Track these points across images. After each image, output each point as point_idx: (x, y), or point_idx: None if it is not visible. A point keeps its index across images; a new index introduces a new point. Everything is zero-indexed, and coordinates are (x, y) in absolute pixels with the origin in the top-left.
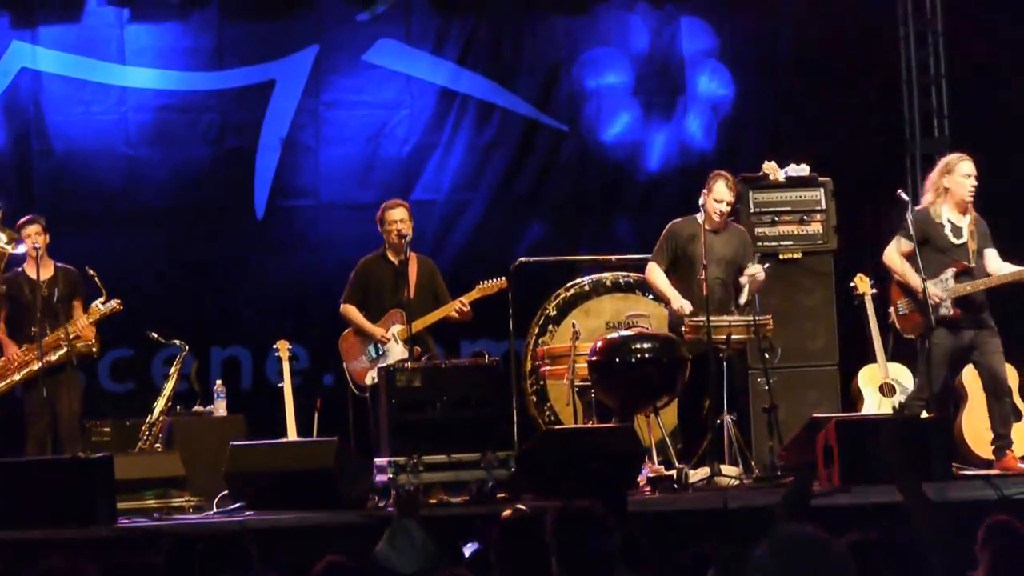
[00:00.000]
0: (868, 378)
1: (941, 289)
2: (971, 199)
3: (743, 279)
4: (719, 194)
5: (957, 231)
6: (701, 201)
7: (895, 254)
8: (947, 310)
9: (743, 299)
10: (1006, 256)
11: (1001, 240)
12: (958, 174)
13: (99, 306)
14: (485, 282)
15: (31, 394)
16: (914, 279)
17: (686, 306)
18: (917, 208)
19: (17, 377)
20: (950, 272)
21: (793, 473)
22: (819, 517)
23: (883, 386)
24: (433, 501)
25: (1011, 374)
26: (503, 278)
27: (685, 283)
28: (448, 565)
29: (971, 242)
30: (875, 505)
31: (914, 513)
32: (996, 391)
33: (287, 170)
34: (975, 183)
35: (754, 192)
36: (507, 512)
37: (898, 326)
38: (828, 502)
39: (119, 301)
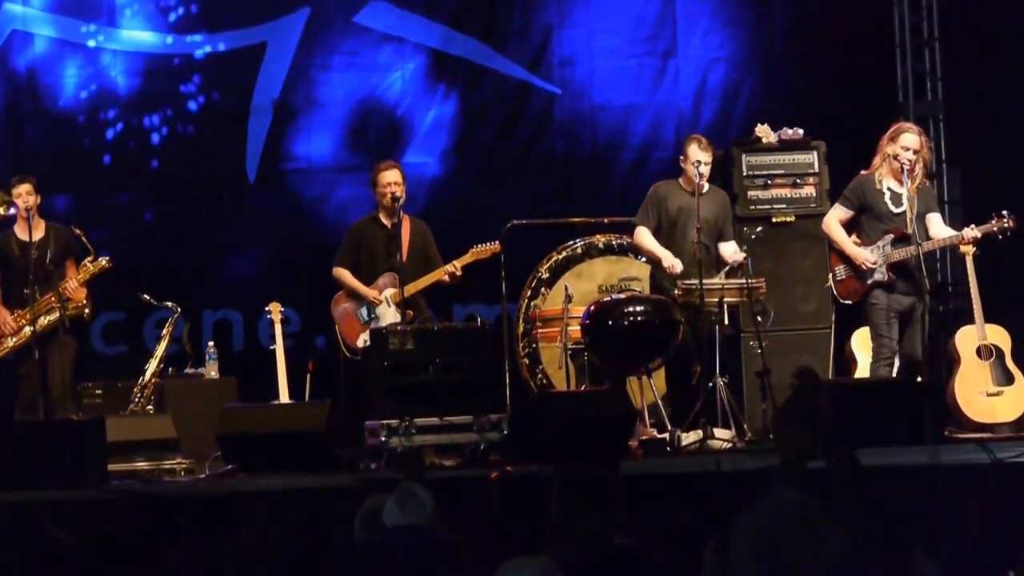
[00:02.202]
0: (861, 342)
1: (877, 255)
2: (906, 171)
3: (728, 259)
4: (694, 156)
5: (896, 199)
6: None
7: (834, 221)
8: (881, 275)
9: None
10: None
11: (994, 201)
12: (899, 144)
13: (88, 265)
14: (478, 246)
15: (23, 356)
16: (850, 247)
17: (677, 265)
18: (863, 173)
19: (11, 343)
20: (888, 238)
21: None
22: (813, 480)
23: None
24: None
25: (1002, 336)
26: (496, 242)
27: (670, 246)
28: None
29: (910, 210)
30: (868, 468)
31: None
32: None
33: (279, 133)
34: (912, 156)
35: (747, 155)
36: (495, 474)
37: (835, 291)
38: (821, 465)
39: (108, 259)
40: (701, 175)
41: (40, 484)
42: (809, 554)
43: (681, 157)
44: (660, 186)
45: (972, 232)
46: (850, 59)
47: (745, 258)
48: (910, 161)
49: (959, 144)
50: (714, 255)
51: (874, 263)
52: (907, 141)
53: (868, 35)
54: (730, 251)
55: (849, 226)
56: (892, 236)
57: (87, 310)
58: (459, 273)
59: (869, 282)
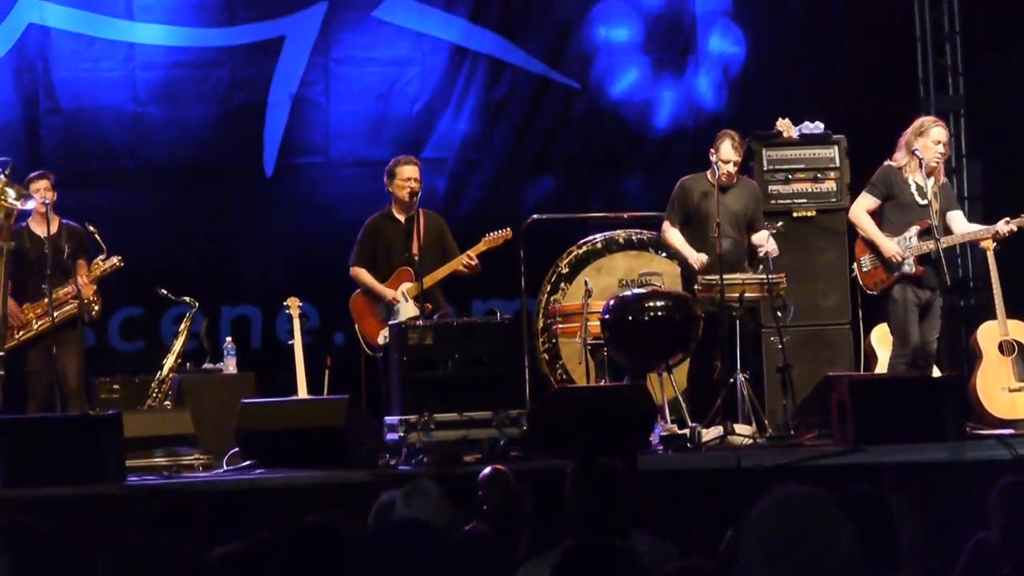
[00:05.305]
0: (882, 337)
1: (903, 247)
2: (936, 165)
3: (760, 250)
4: (725, 154)
5: (922, 192)
6: (712, 159)
7: (862, 211)
8: (910, 267)
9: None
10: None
11: (1016, 195)
12: (929, 139)
13: (100, 263)
14: (491, 234)
15: (33, 352)
16: (880, 237)
17: (702, 256)
18: (887, 163)
19: (20, 336)
20: (914, 230)
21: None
22: (834, 476)
23: None
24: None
25: (1021, 330)
26: (508, 228)
27: (698, 240)
28: (461, 523)
29: (935, 203)
30: (889, 464)
31: None
32: (923, 360)
33: (297, 127)
34: (943, 151)
35: (768, 150)
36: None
37: (861, 282)
38: (842, 461)
39: (120, 258)
40: (728, 174)
41: (58, 480)
42: (820, 549)
43: (711, 150)
44: (687, 181)
45: (1007, 226)
46: (871, 53)
47: (768, 253)
48: (942, 155)
49: (981, 138)
50: (746, 248)
51: (904, 256)
52: (938, 135)
53: (889, 29)
54: (760, 238)
55: (873, 216)
56: (918, 228)
57: (96, 307)
58: (475, 263)
59: (896, 274)
